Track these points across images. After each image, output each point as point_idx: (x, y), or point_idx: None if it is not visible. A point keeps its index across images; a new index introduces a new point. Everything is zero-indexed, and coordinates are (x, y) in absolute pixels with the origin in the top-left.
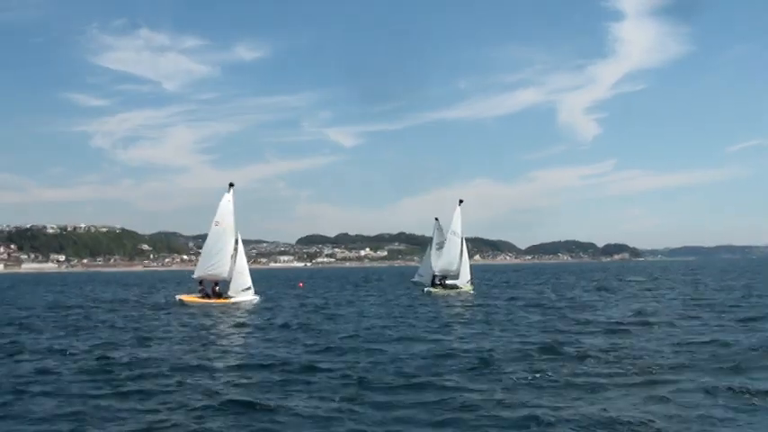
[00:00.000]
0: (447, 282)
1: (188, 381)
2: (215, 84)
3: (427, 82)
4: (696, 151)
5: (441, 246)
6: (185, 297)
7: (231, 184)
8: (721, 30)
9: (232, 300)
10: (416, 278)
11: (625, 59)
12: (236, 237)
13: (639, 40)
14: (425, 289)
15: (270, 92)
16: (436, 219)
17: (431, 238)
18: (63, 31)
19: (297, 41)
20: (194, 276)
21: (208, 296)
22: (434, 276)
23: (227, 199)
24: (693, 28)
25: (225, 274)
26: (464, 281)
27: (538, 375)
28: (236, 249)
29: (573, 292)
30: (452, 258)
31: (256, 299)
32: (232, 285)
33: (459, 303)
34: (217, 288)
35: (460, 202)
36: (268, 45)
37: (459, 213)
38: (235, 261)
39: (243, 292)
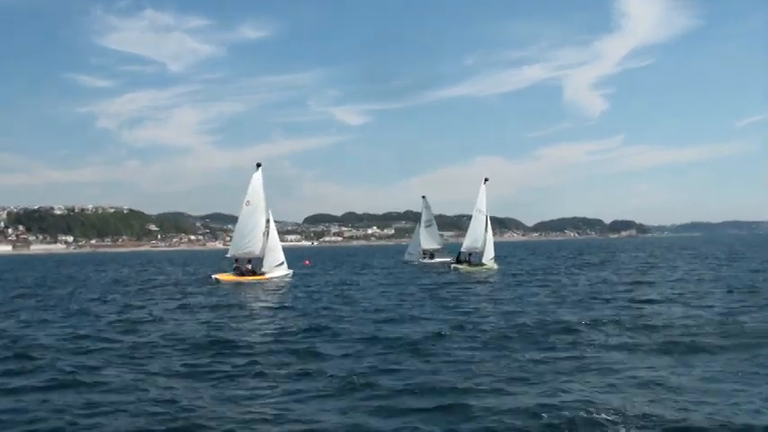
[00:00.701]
0: (471, 259)
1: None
2: (220, 63)
3: (434, 60)
4: (703, 126)
5: (429, 224)
6: (221, 276)
7: (258, 164)
8: (728, 4)
9: (266, 276)
10: (406, 257)
11: (631, 34)
12: (267, 215)
13: (646, 15)
14: (452, 266)
15: (275, 71)
16: (423, 197)
17: (419, 216)
18: (67, 13)
19: (302, 20)
20: (228, 255)
21: (243, 274)
22: (460, 253)
23: (257, 178)
24: (700, 2)
25: (258, 252)
26: (488, 258)
27: (544, 355)
28: (267, 227)
29: (581, 269)
30: (478, 236)
31: (290, 273)
32: (265, 262)
33: (482, 280)
34: (249, 266)
35: (486, 180)
36: (273, 24)
37: (484, 191)
38: (267, 238)
39: (276, 268)
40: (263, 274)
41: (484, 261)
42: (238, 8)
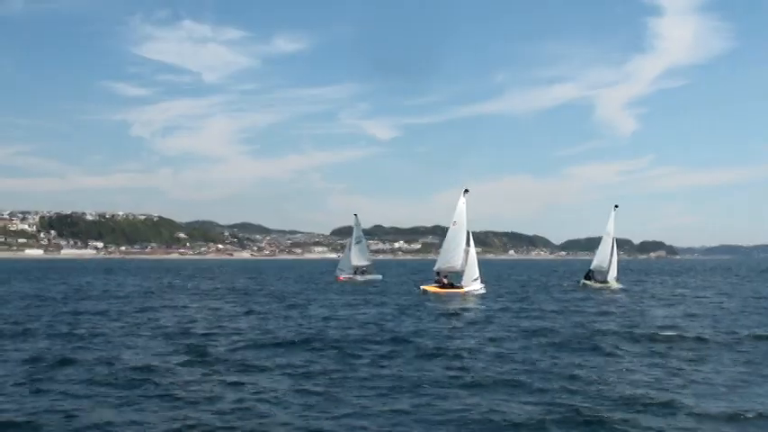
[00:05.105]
0: (595, 276)
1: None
2: (255, 75)
3: (464, 76)
4: (735, 148)
5: (359, 240)
6: (428, 287)
7: (466, 190)
8: (763, 27)
9: (465, 289)
10: (337, 273)
11: (664, 55)
12: (467, 234)
13: (680, 36)
14: (581, 281)
15: (308, 84)
16: (355, 215)
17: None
18: (106, 22)
19: (336, 34)
20: (435, 269)
21: (443, 286)
22: (590, 271)
23: (462, 201)
24: (735, 24)
25: (459, 267)
26: (612, 277)
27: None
28: (468, 245)
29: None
30: (605, 256)
31: (483, 288)
32: (465, 276)
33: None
34: (445, 280)
35: (616, 207)
36: (308, 37)
37: (614, 216)
38: (467, 255)
39: (473, 282)
40: (461, 287)
41: (609, 279)
42: (274, 21)
